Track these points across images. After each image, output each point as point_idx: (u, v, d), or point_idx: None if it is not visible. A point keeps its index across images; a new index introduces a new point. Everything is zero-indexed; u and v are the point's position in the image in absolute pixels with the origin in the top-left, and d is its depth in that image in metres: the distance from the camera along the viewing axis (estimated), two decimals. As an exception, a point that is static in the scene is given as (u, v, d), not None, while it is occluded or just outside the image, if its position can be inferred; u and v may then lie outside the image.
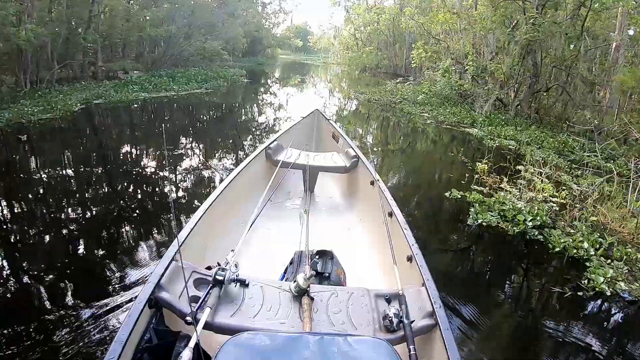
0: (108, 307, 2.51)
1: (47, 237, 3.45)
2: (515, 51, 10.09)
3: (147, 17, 14.82)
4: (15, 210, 3.97)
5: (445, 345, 1.48)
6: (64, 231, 3.56)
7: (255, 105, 13.39)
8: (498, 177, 5.57)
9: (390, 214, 2.55)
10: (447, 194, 4.85)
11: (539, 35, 9.26)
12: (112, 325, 2.36)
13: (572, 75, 9.97)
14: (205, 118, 10.24)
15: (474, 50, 12.47)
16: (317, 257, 2.13)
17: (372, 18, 26.46)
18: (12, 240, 3.40)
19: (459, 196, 4.78)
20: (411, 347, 1.43)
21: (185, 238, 2.00)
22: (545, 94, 10.71)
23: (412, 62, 17.30)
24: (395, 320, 1.58)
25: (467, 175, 5.60)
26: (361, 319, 1.66)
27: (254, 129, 9.15)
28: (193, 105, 11.36)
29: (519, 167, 6.05)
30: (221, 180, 2.99)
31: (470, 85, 12.12)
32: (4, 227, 3.66)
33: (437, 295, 1.73)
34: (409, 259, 2.08)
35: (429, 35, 16.37)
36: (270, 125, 9.38)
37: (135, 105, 9.97)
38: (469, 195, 4.75)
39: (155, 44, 16.74)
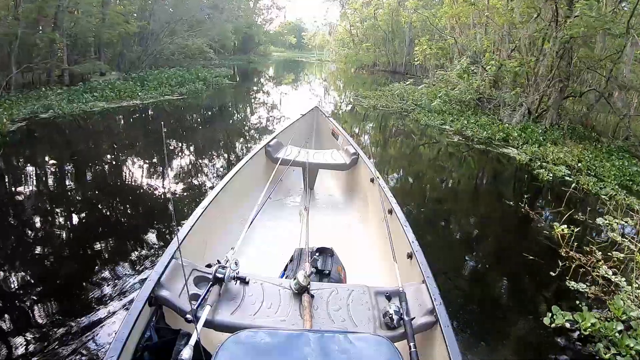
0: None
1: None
2: (554, 48, 8.44)
3: (118, 12, 12.65)
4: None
5: (445, 342, 1.48)
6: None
7: (235, 118, 10.57)
8: (588, 249, 3.57)
9: (390, 211, 2.55)
10: (546, 319, 2.70)
11: (586, 30, 7.88)
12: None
13: (612, 79, 8.56)
14: (164, 138, 6.85)
15: (492, 48, 11.09)
16: (317, 254, 2.13)
17: (369, 13, 26.04)
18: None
19: (566, 322, 2.67)
20: (412, 344, 1.43)
21: (185, 236, 2.00)
22: (578, 99, 9.32)
23: (415, 59, 16.66)
24: (395, 318, 1.58)
25: (542, 245, 3.71)
26: (361, 316, 1.66)
27: (227, 160, 6.34)
28: (154, 118, 9.01)
29: (599, 220, 4.34)
30: (221, 178, 2.98)
31: (491, 89, 10.52)
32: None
33: (438, 292, 1.73)
34: (409, 256, 2.08)
35: (435, 30, 15.23)
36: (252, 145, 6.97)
37: (90, 119, 7.90)
38: (581, 320, 2.67)
39: (133, 42, 14.77)
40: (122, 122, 8.59)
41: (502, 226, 4.54)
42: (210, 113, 10.80)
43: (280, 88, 17.75)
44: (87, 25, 11.50)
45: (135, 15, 14.45)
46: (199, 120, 9.61)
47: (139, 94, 10.12)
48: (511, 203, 4.77)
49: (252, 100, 13.62)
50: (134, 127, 8.43)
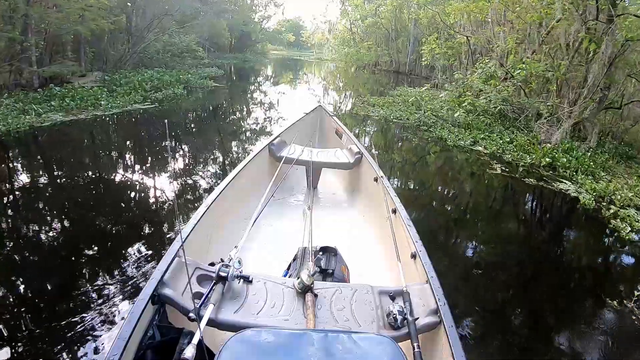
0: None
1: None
2: (607, 53, 7.30)
3: (95, 5, 10.41)
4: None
5: (449, 343, 1.47)
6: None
7: (214, 136, 7.79)
8: None
9: (394, 211, 2.54)
10: None
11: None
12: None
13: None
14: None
15: (516, 49, 9.81)
16: (320, 253, 2.13)
17: (370, 10, 25.54)
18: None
19: None
20: (415, 344, 1.42)
21: (189, 234, 2.00)
22: (614, 112, 8.38)
23: (423, 59, 16.22)
24: (399, 318, 1.58)
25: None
26: (365, 315, 1.65)
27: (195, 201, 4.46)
28: (111, 139, 7.00)
29: None
30: (224, 176, 2.98)
31: (520, 97, 9.30)
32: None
33: (442, 292, 1.72)
34: (413, 255, 2.07)
35: (443, 28, 14.40)
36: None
37: (40, 137, 6.22)
38: None
39: (126, 39, 13.53)
40: (71, 141, 6.50)
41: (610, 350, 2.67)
42: (185, 124, 8.55)
43: (277, 88, 16.41)
44: (57, 22, 9.63)
45: (119, 9, 12.90)
46: (165, 136, 6.98)
47: (102, 102, 8.22)
48: (615, 304, 3.02)
49: (239, 112, 11.10)
50: (75, 150, 6.11)
